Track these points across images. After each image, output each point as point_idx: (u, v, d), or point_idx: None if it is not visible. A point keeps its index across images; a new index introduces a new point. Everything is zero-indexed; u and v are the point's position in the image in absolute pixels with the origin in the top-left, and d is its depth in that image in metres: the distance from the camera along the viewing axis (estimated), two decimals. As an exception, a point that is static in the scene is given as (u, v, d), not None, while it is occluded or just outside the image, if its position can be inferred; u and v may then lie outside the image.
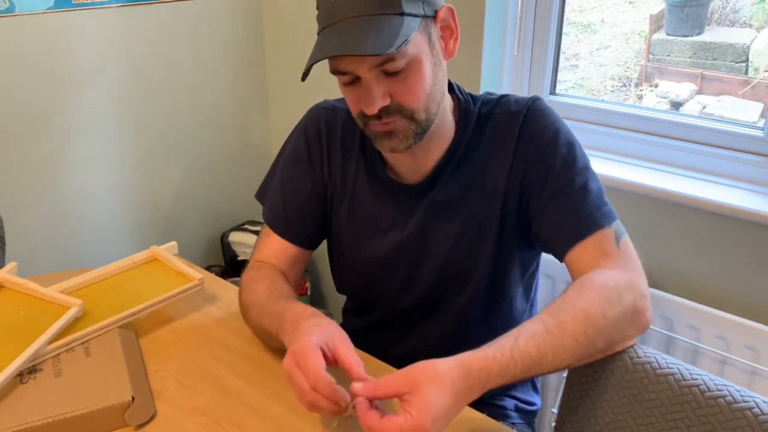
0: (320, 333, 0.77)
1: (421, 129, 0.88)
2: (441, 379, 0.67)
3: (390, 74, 0.82)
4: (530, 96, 0.96)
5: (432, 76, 0.86)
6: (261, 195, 1.10)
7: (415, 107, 0.85)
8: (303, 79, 0.82)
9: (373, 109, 0.84)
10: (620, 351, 0.83)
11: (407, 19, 0.81)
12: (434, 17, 0.86)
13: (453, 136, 0.95)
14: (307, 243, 1.06)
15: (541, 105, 0.94)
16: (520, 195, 0.93)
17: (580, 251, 0.87)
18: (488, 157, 0.94)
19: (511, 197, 0.94)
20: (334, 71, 0.85)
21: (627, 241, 0.88)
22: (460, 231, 0.96)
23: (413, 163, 0.96)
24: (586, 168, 0.91)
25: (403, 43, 0.78)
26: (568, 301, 0.78)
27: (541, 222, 0.91)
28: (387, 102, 0.84)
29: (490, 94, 0.99)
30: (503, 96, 0.97)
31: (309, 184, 1.03)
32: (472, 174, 0.95)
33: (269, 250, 1.04)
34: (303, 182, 1.04)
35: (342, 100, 1.05)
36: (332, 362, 0.76)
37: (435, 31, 0.86)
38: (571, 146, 0.92)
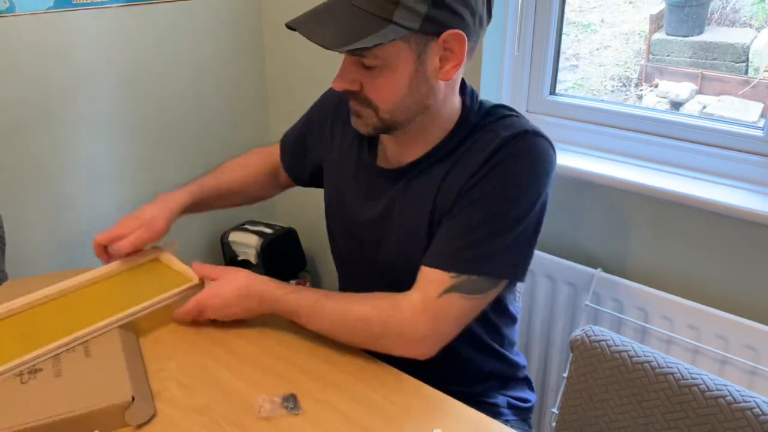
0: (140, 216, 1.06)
1: (384, 126, 0.92)
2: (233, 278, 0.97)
3: (366, 66, 0.87)
4: (537, 130, 0.93)
5: (407, 88, 0.88)
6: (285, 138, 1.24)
7: (380, 106, 0.90)
8: (286, 26, 0.88)
9: (337, 86, 0.89)
10: (618, 349, 0.83)
11: (391, 27, 0.82)
12: (437, 35, 0.85)
13: (442, 138, 0.96)
14: (289, 171, 1.23)
15: (534, 143, 0.91)
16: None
17: (420, 273, 0.92)
18: (457, 163, 0.94)
19: (446, 204, 0.93)
20: None
21: (458, 300, 0.88)
22: (409, 228, 0.98)
23: (397, 154, 1.00)
24: (516, 220, 0.89)
25: (362, 48, 0.82)
26: (347, 296, 0.95)
27: (435, 231, 0.94)
28: (355, 88, 0.89)
29: (504, 108, 0.97)
30: (509, 116, 0.95)
31: (315, 145, 1.16)
32: (438, 175, 0.95)
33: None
34: (312, 139, 1.17)
35: None
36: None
37: (433, 49, 0.86)
38: (526, 193, 0.89)
